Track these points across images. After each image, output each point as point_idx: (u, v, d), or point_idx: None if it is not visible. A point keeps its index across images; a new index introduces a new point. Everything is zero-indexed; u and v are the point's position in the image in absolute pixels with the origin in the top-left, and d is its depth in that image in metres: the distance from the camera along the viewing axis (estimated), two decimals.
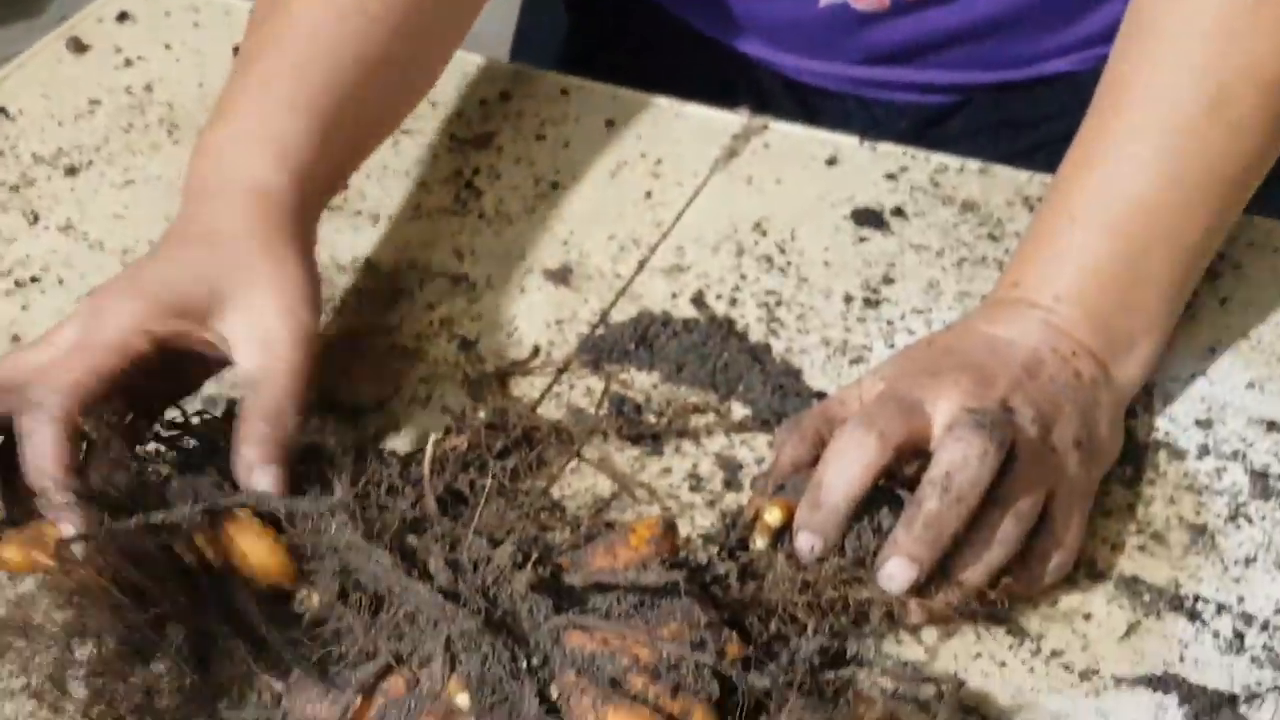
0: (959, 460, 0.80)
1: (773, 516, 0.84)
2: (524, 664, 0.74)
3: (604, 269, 1.08)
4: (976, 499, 0.81)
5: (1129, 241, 0.92)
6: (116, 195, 1.13)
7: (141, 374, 0.79)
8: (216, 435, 0.84)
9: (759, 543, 0.84)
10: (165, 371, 0.83)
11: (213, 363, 0.83)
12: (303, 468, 0.81)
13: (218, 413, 0.86)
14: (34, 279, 1.05)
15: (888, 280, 1.07)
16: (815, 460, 0.86)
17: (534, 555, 0.77)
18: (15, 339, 1.00)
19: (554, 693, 0.74)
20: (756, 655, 0.77)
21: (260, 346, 0.80)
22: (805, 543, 0.82)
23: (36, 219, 1.10)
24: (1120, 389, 0.92)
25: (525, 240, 1.10)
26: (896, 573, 0.80)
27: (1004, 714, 0.80)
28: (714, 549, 0.87)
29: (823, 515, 0.81)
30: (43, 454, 0.76)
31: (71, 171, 1.14)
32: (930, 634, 0.84)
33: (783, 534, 0.84)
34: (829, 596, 0.80)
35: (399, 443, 0.94)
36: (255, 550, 0.75)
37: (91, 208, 1.12)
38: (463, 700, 0.72)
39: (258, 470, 0.78)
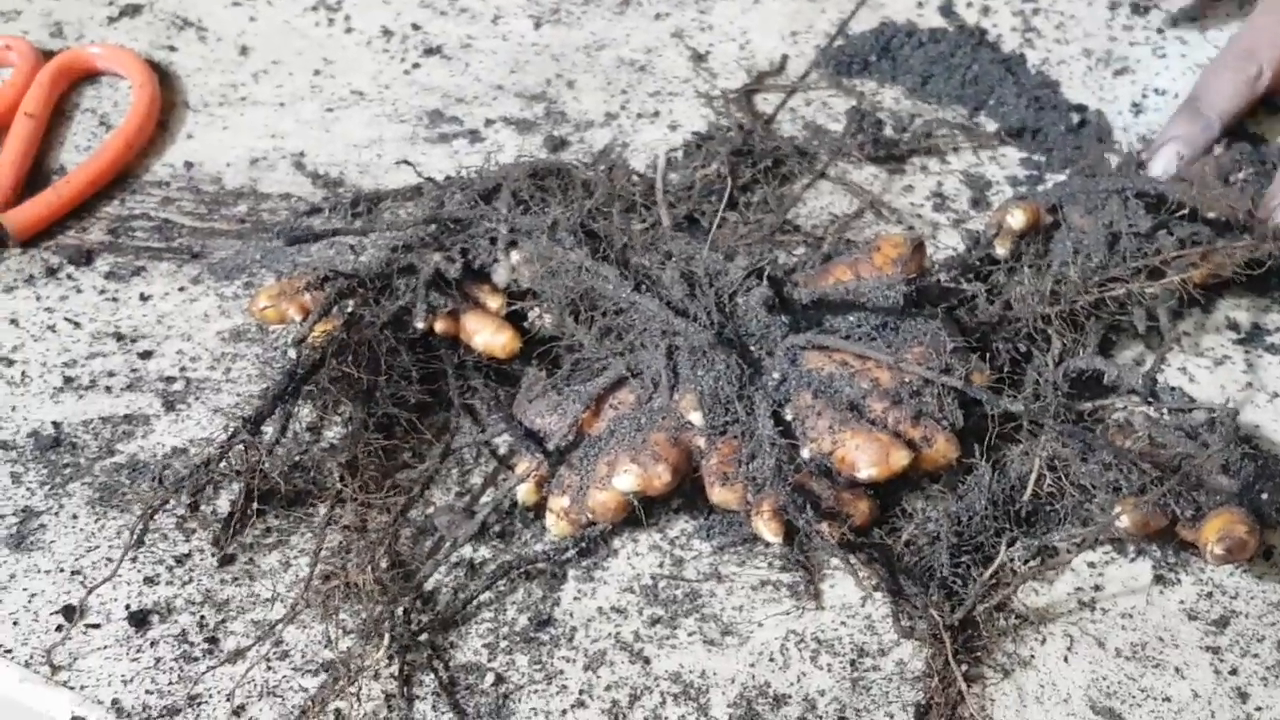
0: None
1: (1016, 219, 0.78)
2: (759, 382, 0.70)
3: None
4: None
5: None
6: None
7: None
8: None
9: (1000, 250, 0.78)
10: None
11: None
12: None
13: None
14: None
15: None
16: None
17: (769, 271, 0.72)
18: (243, 50, 0.98)
19: (788, 414, 0.70)
20: (1005, 381, 0.73)
21: None
22: (1170, 151, 0.82)
23: None
24: None
25: None
26: None
27: (1277, 449, 0.74)
28: (958, 272, 0.81)
29: (1200, 125, 0.81)
30: None
31: None
32: (1197, 362, 0.78)
33: (1026, 241, 0.78)
34: (1082, 302, 0.74)
35: (630, 159, 0.89)
36: (481, 329, 0.75)
37: None
38: (696, 418, 0.69)
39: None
